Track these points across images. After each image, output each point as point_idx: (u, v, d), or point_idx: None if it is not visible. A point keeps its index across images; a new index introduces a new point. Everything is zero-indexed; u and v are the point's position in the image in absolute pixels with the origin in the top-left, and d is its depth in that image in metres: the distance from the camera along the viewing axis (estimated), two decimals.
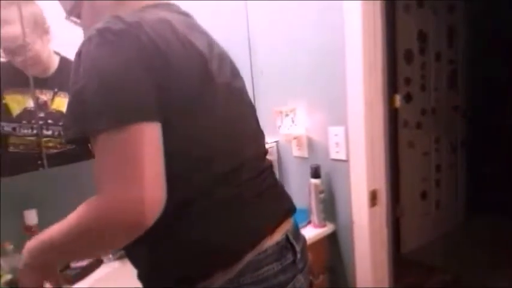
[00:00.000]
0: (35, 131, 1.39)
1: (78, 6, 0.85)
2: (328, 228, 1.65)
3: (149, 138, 0.65)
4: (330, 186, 1.65)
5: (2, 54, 1.31)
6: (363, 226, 1.56)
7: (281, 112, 1.76)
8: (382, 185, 1.59)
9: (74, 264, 1.36)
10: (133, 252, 0.83)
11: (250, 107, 0.94)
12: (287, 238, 0.85)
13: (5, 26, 1.30)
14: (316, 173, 1.62)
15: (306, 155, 1.75)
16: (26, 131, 1.37)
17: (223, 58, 0.88)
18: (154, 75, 0.67)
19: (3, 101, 1.32)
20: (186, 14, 0.88)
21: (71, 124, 0.68)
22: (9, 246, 1.31)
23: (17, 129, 1.35)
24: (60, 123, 1.42)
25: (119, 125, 0.63)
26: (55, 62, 1.42)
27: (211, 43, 0.85)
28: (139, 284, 0.85)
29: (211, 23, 1.76)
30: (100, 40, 0.66)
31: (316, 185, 1.61)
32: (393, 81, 2.84)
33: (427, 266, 2.93)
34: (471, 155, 3.59)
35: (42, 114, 1.40)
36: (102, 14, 0.79)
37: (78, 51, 0.68)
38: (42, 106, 1.40)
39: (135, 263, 0.84)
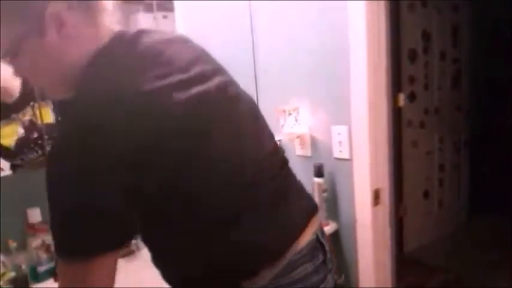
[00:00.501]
0: (40, 152, 1.40)
1: (15, 49, 0.70)
2: (331, 227, 1.64)
3: (99, 271, 0.65)
4: (333, 185, 1.65)
5: None
6: (366, 225, 1.56)
7: (284, 111, 1.76)
8: (385, 184, 1.59)
9: None
10: (169, 265, 0.81)
11: (243, 101, 0.88)
12: (317, 237, 0.85)
13: None
14: (319, 172, 1.61)
15: (309, 154, 1.75)
16: (32, 155, 1.38)
17: (198, 59, 0.82)
18: (125, 168, 0.63)
19: None
20: (142, 34, 0.78)
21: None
22: (13, 244, 1.32)
23: (25, 158, 1.37)
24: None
25: (72, 259, 0.64)
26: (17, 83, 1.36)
27: (176, 51, 0.79)
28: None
29: (215, 23, 1.77)
30: (59, 158, 0.64)
31: (319, 184, 1.61)
32: (397, 80, 2.83)
33: (430, 265, 2.92)
34: (473, 154, 3.58)
35: (36, 135, 1.41)
36: (43, 67, 0.73)
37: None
38: (30, 127, 1.40)
39: (170, 276, 0.82)
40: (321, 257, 0.84)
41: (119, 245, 0.67)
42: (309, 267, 0.80)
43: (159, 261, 0.82)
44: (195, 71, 0.78)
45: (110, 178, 0.62)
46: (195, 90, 0.74)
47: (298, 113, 1.74)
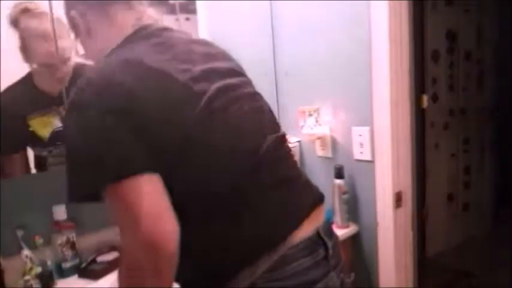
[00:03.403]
0: None
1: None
2: (351, 229, 1.63)
3: (144, 188, 0.68)
4: (353, 187, 1.64)
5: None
6: (387, 228, 1.54)
7: (304, 112, 1.76)
8: (407, 187, 1.57)
9: (100, 259, 1.39)
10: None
11: (252, 100, 0.91)
12: (318, 234, 0.84)
13: (58, 40, 1.33)
14: (339, 174, 1.60)
15: (329, 155, 1.74)
16: (59, 150, 1.40)
17: (213, 59, 0.88)
18: (137, 131, 0.70)
19: (30, 128, 1.34)
20: (164, 31, 0.88)
21: (74, 186, 0.72)
22: (39, 241, 1.36)
23: (53, 150, 1.39)
24: None
25: (117, 179, 0.67)
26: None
27: (192, 50, 0.86)
28: None
29: (237, 26, 1.78)
30: (78, 115, 0.72)
31: (339, 186, 1.60)
32: (421, 81, 2.78)
33: (453, 269, 2.87)
34: (499, 156, 3.50)
35: None
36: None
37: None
38: None
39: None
40: (321, 253, 0.83)
41: (145, 168, 0.69)
42: (307, 261, 0.79)
43: None
44: (216, 65, 0.86)
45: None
46: (217, 84, 0.81)
47: (318, 114, 1.74)
